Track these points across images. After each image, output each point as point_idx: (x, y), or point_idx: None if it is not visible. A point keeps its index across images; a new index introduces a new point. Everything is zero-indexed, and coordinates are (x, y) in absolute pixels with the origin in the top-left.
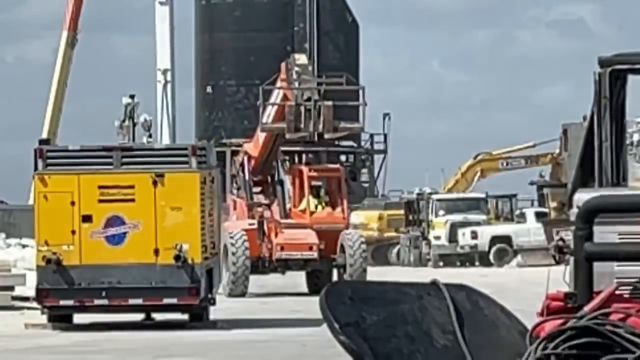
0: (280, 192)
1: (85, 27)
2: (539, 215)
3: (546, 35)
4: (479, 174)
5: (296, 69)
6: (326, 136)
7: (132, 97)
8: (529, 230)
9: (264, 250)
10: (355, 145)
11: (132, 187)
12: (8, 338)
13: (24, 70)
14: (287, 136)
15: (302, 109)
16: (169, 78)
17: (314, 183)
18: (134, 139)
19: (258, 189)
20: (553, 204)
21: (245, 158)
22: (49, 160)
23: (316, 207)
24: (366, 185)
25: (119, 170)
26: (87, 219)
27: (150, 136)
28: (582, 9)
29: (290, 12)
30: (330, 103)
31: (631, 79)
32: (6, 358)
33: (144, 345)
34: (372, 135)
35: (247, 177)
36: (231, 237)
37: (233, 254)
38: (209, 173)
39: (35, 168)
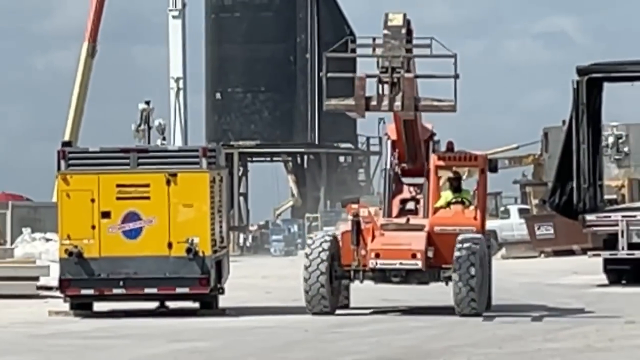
0: (426, 186)
1: (104, 38)
2: (522, 212)
3: (531, 45)
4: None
5: (385, 31)
6: (403, 115)
7: (147, 103)
8: (512, 225)
9: (359, 258)
10: (353, 147)
11: (147, 185)
12: (33, 324)
13: (52, 78)
14: (352, 115)
15: (377, 81)
16: (181, 85)
17: (448, 175)
18: (149, 142)
19: (412, 180)
20: (535, 201)
21: (389, 142)
22: (71, 161)
23: (448, 204)
24: (363, 183)
25: (136, 170)
26: (106, 215)
27: (164, 139)
28: (564, 21)
29: (293, 25)
30: (411, 75)
31: (607, 86)
32: (32, 343)
33: (159, 330)
34: (368, 139)
35: (387, 166)
36: (309, 243)
37: (306, 267)
38: (218, 173)
39: (59, 168)
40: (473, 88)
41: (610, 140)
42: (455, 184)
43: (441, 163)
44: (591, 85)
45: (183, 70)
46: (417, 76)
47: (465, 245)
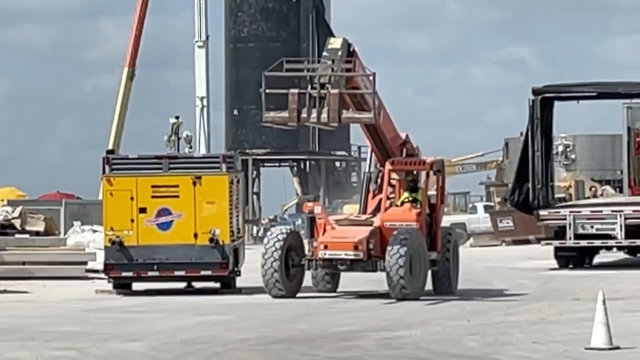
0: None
1: (142, 64)
2: (487, 208)
3: (495, 70)
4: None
5: (325, 53)
6: (325, 127)
7: (177, 117)
8: (479, 219)
9: (312, 249)
10: (347, 154)
11: (177, 186)
12: (83, 301)
13: (98, 97)
14: (284, 126)
15: (307, 96)
16: (205, 103)
17: (396, 177)
18: (178, 150)
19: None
20: (497, 199)
21: (369, 149)
22: (114, 166)
23: (402, 203)
24: (355, 185)
25: (167, 173)
26: (142, 210)
27: (190, 147)
28: (522, 50)
29: (297, 54)
30: (336, 91)
31: (557, 104)
32: (81, 315)
33: (186, 306)
34: (359, 147)
35: (366, 169)
36: (268, 235)
37: (263, 255)
38: (235, 176)
39: (104, 172)
40: (447, 106)
41: (560, 148)
42: (412, 185)
43: (391, 167)
44: (544, 103)
45: (206, 90)
46: (341, 92)
47: (397, 238)
